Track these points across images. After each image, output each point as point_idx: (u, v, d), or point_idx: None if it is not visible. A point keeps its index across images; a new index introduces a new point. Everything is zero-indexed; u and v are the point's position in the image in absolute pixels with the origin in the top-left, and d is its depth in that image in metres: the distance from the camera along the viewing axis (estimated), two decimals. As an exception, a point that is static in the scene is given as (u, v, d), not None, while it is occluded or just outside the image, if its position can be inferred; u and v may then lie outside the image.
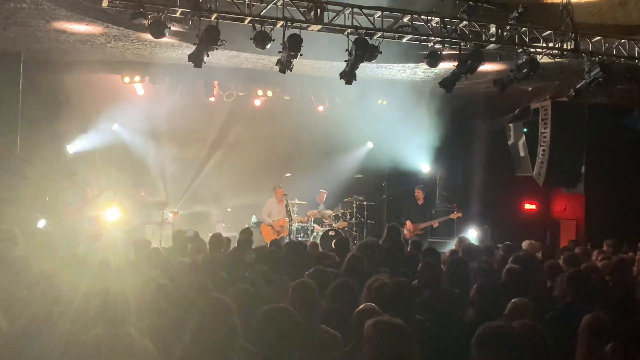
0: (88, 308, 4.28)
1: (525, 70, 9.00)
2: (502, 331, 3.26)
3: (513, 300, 4.59)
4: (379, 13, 8.36)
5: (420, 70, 11.16)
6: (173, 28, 8.16)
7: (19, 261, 5.88)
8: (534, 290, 5.47)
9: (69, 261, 6.95)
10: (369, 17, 8.34)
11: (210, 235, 8.66)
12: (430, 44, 8.74)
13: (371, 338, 3.30)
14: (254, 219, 13.63)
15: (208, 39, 7.72)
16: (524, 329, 3.54)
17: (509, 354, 3.15)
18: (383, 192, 15.35)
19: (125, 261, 6.52)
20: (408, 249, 9.12)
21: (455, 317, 4.87)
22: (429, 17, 8.53)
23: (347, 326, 4.32)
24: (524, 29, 8.91)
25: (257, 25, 7.85)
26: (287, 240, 11.94)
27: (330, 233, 12.70)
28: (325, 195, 13.88)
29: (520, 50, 9.06)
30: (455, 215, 12.85)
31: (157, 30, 7.61)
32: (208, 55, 8.14)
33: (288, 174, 13.68)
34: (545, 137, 11.93)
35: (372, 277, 5.32)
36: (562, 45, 9.05)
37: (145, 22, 7.51)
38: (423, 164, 14.43)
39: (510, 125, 13.71)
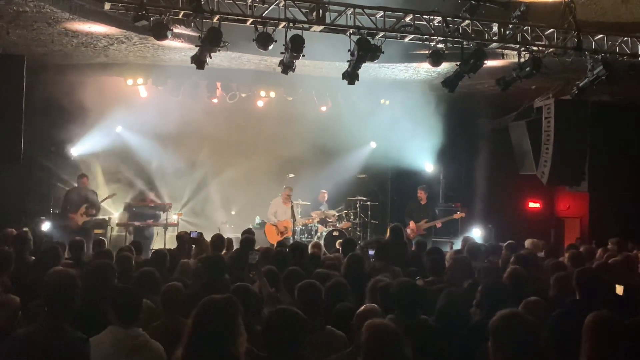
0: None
1: (528, 69, 8.98)
2: (519, 318, 3.27)
3: (527, 299, 4.57)
4: (381, 13, 8.34)
5: (423, 70, 11.16)
6: (175, 30, 8.16)
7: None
8: (535, 290, 5.46)
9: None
10: (371, 17, 8.32)
11: (212, 235, 8.62)
12: (432, 44, 8.73)
13: (364, 339, 3.35)
14: (257, 220, 13.64)
15: (210, 41, 7.72)
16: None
17: (525, 340, 3.16)
18: (386, 192, 15.35)
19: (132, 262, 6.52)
20: (412, 249, 9.13)
21: (464, 317, 4.85)
22: (431, 17, 8.51)
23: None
24: (526, 27, 8.88)
25: (260, 27, 7.84)
26: (292, 240, 11.94)
27: (334, 233, 12.70)
28: (326, 194, 13.88)
29: (523, 48, 9.05)
30: (458, 215, 12.84)
31: (160, 32, 7.61)
32: (210, 57, 8.14)
33: (291, 175, 13.69)
34: (548, 135, 11.90)
35: (374, 278, 5.32)
36: (564, 44, 9.03)
37: (148, 24, 7.52)
38: (426, 164, 14.43)
39: (514, 123, 13.69)
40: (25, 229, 8.12)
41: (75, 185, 12.02)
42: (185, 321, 4.36)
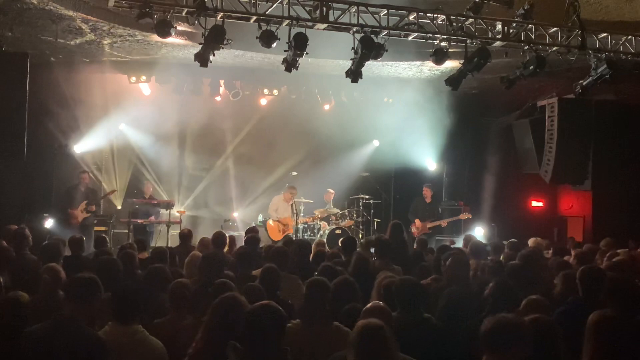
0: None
1: (532, 68, 8.96)
2: (510, 323, 3.27)
3: (529, 297, 4.54)
4: (385, 11, 8.33)
5: (426, 68, 11.15)
6: (179, 27, 8.17)
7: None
8: (539, 288, 5.44)
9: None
10: (375, 15, 8.32)
11: (213, 232, 8.58)
12: (436, 42, 8.72)
13: (351, 339, 3.30)
14: (260, 218, 13.65)
15: (214, 38, 7.72)
16: (532, 322, 3.55)
17: (517, 345, 3.16)
18: (389, 190, 15.34)
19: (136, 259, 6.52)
20: (414, 247, 9.12)
21: (467, 316, 4.84)
22: (435, 15, 8.50)
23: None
24: (530, 25, 8.87)
25: (263, 24, 7.84)
26: (293, 237, 11.92)
27: (337, 232, 12.69)
28: (332, 194, 13.88)
29: (527, 47, 9.03)
30: (464, 216, 12.86)
31: (163, 29, 7.61)
32: (214, 55, 8.15)
33: (294, 173, 13.69)
34: (552, 134, 11.88)
35: (381, 275, 5.31)
36: (568, 42, 9.01)
37: (151, 21, 7.52)
38: (429, 162, 14.43)
39: (517, 122, 13.67)
40: (22, 225, 8.09)
41: (76, 181, 12.03)
42: (191, 317, 4.38)
